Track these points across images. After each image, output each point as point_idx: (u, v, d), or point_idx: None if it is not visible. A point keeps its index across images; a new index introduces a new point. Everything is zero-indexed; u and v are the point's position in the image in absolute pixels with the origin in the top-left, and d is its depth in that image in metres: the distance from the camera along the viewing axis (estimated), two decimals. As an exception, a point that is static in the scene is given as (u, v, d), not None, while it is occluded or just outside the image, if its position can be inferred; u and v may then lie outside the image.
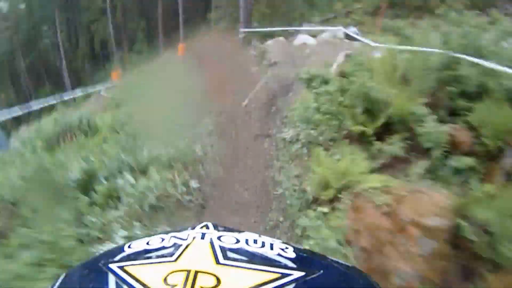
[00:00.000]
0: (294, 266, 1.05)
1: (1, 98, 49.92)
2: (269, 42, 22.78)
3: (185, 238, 1.17)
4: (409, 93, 8.17)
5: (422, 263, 5.91)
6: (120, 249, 1.18)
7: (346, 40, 20.38)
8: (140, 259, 1.09)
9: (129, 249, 1.18)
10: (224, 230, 1.24)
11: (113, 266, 1.08)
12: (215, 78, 16.03)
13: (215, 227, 1.26)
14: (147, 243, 1.18)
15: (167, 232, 1.22)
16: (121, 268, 1.06)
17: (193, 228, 1.25)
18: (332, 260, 1.17)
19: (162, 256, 1.09)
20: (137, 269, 1.05)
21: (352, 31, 21.64)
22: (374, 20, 24.80)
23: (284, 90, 14.37)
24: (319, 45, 20.71)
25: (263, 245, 1.14)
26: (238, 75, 18.23)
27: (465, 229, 5.75)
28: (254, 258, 1.06)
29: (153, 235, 1.24)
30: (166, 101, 13.90)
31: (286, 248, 1.14)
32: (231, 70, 18.23)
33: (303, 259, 1.11)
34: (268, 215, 8.64)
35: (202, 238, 1.17)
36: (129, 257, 1.11)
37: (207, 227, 1.26)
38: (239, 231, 1.25)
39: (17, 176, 10.59)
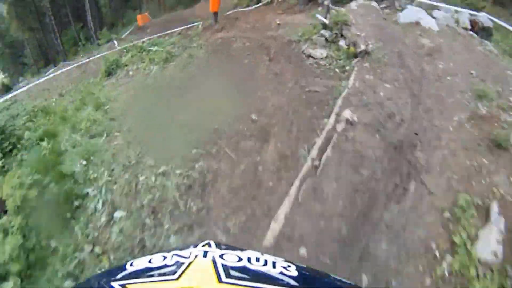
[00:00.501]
0: (297, 284, 1.13)
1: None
2: (352, 4, 15.18)
3: (187, 256, 1.27)
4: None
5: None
6: (122, 267, 1.29)
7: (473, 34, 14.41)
8: (142, 277, 1.18)
9: (131, 267, 1.27)
10: (227, 248, 1.34)
11: (115, 284, 1.16)
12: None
13: (217, 245, 1.36)
14: (149, 261, 1.28)
15: (169, 250, 1.34)
16: (123, 286, 1.14)
17: (195, 246, 1.36)
18: (335, 279, 1.28)
19: (164, 274, 1.18)
20: (139, 287, 1.13)
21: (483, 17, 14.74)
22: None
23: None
24: (443, 34, 13.75)
25: (265, 263, 1.22)
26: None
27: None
28: (257, 277, 1.13)
29: (155, 253, 1.36)
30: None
31: (289, 266, 1.23)
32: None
33: (305, 278, 1.20)
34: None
35: (205, 256, 1.26)
36: (131, 275, 1.21)
37: (209, 245, 1.36)
38: (242, 249, 1.34)
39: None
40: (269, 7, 21.98)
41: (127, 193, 8.38)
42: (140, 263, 1.24)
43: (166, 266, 1.17)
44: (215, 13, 17.56)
